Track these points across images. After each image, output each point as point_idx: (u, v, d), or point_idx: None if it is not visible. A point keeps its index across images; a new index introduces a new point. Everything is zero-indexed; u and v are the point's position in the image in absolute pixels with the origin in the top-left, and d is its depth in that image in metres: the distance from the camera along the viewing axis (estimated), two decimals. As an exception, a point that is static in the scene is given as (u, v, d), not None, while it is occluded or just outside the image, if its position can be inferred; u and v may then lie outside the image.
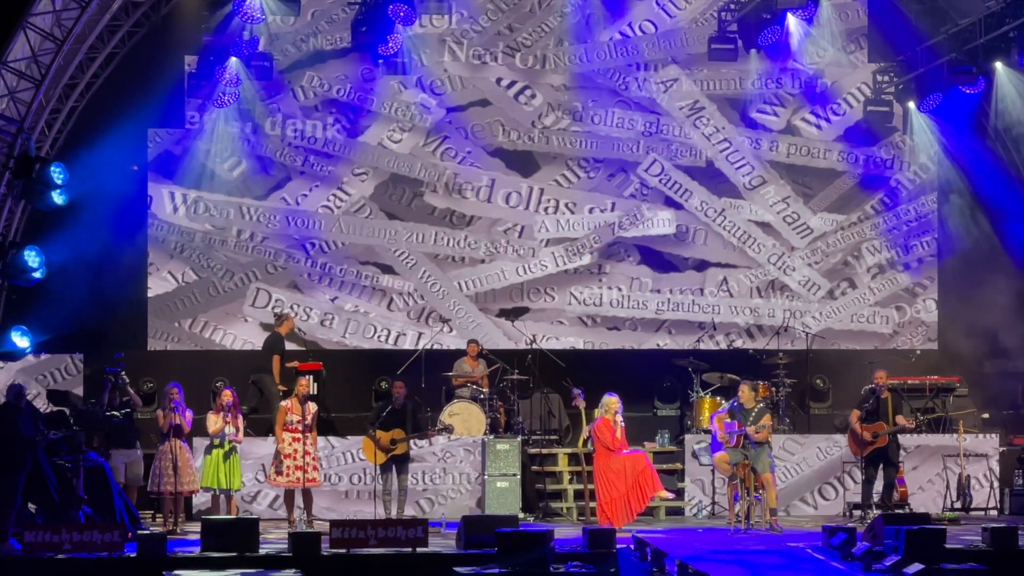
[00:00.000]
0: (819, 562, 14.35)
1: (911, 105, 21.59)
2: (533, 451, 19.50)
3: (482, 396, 19.72)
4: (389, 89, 21.61)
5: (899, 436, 18.62)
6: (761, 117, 22.06)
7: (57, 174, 19.31)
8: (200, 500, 18.35)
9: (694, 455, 19.26)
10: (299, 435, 17.31)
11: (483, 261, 21.68)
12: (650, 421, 20.91)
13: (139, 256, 21.12)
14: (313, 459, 17.37)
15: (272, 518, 18.24)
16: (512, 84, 21.82)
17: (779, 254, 21.98)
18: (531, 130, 21.79)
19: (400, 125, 21.65)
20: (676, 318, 21.84)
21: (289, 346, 20.35)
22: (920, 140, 21.92)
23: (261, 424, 19.53)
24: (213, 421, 17.47)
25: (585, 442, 18.08)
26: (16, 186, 19.51)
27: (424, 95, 21.63)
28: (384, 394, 20.24)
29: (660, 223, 21.86)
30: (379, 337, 21.46)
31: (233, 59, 20.35)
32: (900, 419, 18.40)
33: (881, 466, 18.39)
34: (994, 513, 19.47)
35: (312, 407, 17.55)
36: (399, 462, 18.03)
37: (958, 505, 19.18)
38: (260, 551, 14.46)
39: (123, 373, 17.79)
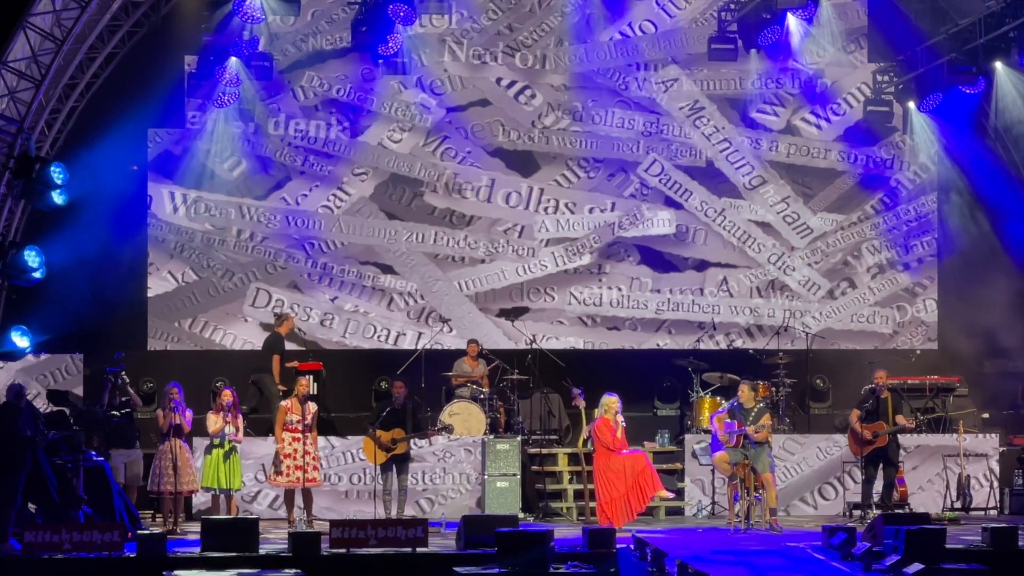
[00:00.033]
0: (819, 562, 14.35)
1: (911, 105, 21.59)
2: (533, 451, 19.50)
3: (482, 396, 19.72)
4: (389, 89, 21.61)
5: (899, 436, 18.62)
6: (761, 117, 22.06)
7: (57, 174, 19.31)
8: (200, 500, 18.35)
9: (694, 455, 19.26)
10: (299, 435, 17.31)
11: (483, 261, 21.68)
12: (650, 421, 20.91)
13: (139, 256, 21.13)
14: (313, 459, 17.37)
15: (272, 518, 18.24)
16: (512, 84, 21.82)
17: (779, 254, 21.98)
18: (531, 130, 21.79)
19: (400, 125, 21.65)
20: (676, 318, 21.84)
21: (289, 346, 20.35)
22: (920, 140, 21.92)
23: (261, 424, 19.53)
24: (213, 421, 17.47)
25: (585, 442, 18.08)
26: (16, 186, 19.51)
27: (424, 95, 21.63)
28: (384, 394, 20.24)
29: (660, 223, 21.86)
30: (379, 337, 21.46)
31: (233, 59, 20.35)
32: (900, 419, 18.40)
33: (881, 466, 18.40)
34: (994, 513, 19.47)
35: (312, 407, 17.55)
36: (399, 462, 18.03)
37: (958, 505, 19.19)
38: (260, 551, 14.46)
39: (123, 373, 17.79)
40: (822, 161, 22.16)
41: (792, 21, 21.07)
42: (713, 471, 18.59)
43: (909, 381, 20.50)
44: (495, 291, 21.67)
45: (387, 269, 21.54)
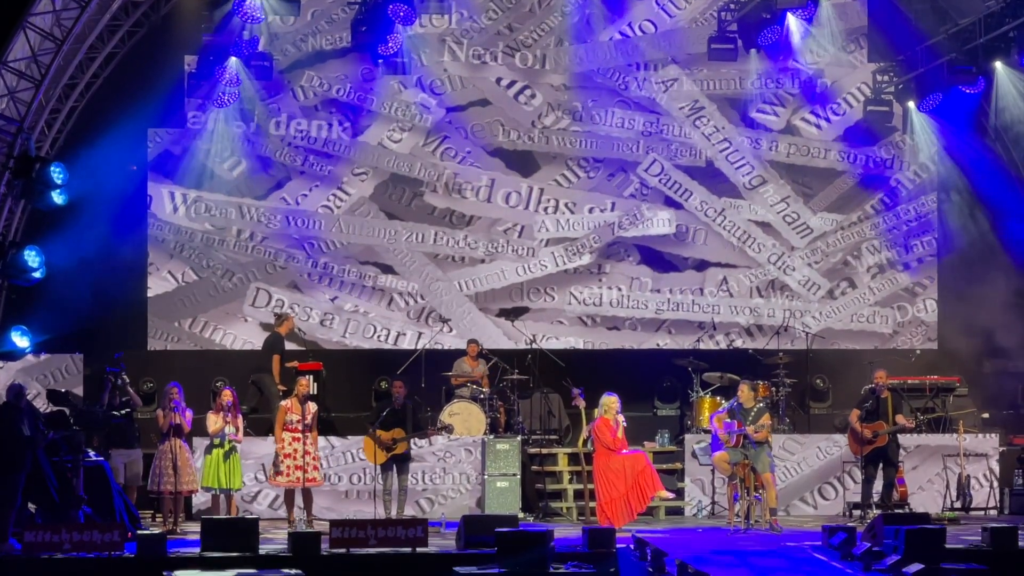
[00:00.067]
0: (819, 562, 14.35)
1: (911, 105, 21.59)
2: (533, 451, 19.50)
3: (482, 396, 19.72)
4: (389, 89, 21.61)
5: (899, 436, 18.62)
6: (761, 117, 22.06)
7: (57, 174, 19.31)
8: (200, 500, 18.35)
9: (694, 455, 19.27)
10: (299, 435, 17.31)
11: (483, 261, 21.69)
12: (650, 421, 20.91)
13: (139, 256, 21.12)
14: (313, 459, 17.37)
15: (272, 518, 18.24)
16: (512, 84, 21.82)
17: (779, 254, 21.98)
18: (531, 130, 21.79)
19: (400, 125, 21.65)
20: (676, 318, 21.84)
21: (289, 346, 20.35)
22: (920, 140, 21.92)
23: (261, 424, 19.53)
24: (213, 421, 17.46)
25: (585, 442, 18.08)
26: (16, 186, 19.50)
27: (424, 95, 21.63)
28: (384, 394, 20.24)
29: (660, 223, 21.86)
30: (379, 337, 21.46)
31: (233, 59, 20.34)
32: (900, 419, 18.40)
33: (881, 466, 18.40)
34: (994, 513, 19.47)
35: (312, 407, 17.55)
36: (399, 462, 18.03)
37: (958, 505, 19.19)
38: (260, 551, 14.45)
39: (123, 373, 17.79)
40: (822, 161, 22.16)
41: (792, 21, 21.07)
42: (713, 471, 18.59)
43: (909, 381, 20.50)
44: (495, 291, 21.67)
45: (387, 269, 21.54)
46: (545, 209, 21.75)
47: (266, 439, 18.64)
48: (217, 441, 17.37)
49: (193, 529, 16.27)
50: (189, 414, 17.28)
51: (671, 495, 18.81)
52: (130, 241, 20.94)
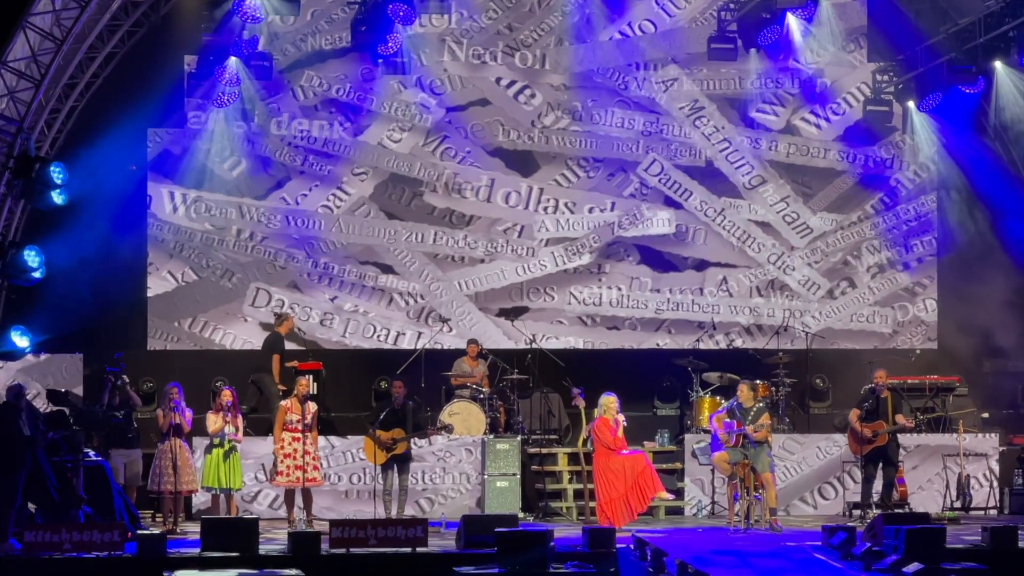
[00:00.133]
0: (819, 562, 14.35)
1: (911, 104, 21.59)
2: (533, 451, 19.50)
3: (482, 396, 19.73)
4: (389, 89, 21.61)
5: (899, 435, 18.62)
6: (761, 117, 22.06)
7: (57, 174, 19.32)
8: (200, 500, 18.35)
9: (694, 455, 19.27)
10: (299, 435, 17.30)
11: (483, 261, 21.68)
12: (650, 421, 20.91)
13: (139, 256, 21.12)
14: (313, 459, 17.37)
15: (272, 518, 18.24)
16: (512, 84, 21.82)
17: (779, 254, 21.98)
18: (531, 130, 21.79)
19: (400, 125, 21.65)
20: (676, 318, 21.84)
21: (289, 346, 20.35)
22: (920, 139, 21.92)
23: (261, 424, 19.53)
24: (213, 421, 17.46)
25: (585, 442, 18.08)
26: (16, 186, 19.51)
27: (424, 95, 21.63)
28: (384, 394, 20.25)
29: (660, 223, 21.86)
30: (379, 337, 21.46)
31: (233, 59, 20.34)
32: (900, 418, 18.40)
33: (881, 465, 18.40)
34: (994, 513, 19.47)
35: (312, 407, 17.54)
36: (400, 462, 18.03)
37: (958, 505, 19.19)
38: (260, 551, 14.45)
39: (123, 373, 17.80)
40: (822, 161, 22.16)
41: (792, 21, 21.07)
42: (713, 471, 18.59)
43: (909, 381, 20.51)
44: (495, 291, 21.67)
45: (387, 269, 21.54)
46: (545, 209, 21.76)
47: (266, 439, 18.63)
48: (217, 441, 17.36)
49: (193, 529, 16.27)
50: (189, 414, 17.28)
51: (671, 496, 18.81)
52: (130, 241, 20.94)
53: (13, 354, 19.62)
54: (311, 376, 18.59)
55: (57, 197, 19.40)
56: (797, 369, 20.80)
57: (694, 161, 21.96)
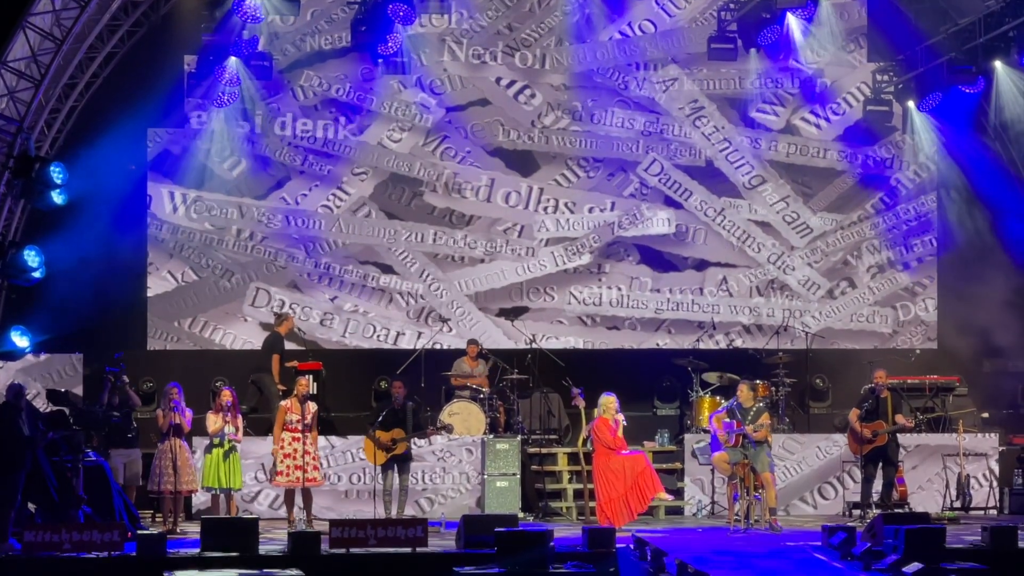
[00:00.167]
0: (819, 561, 14.35)
1: (911, 104, 21.59)
2: (533, 451, 19.50)
3: (482, 396, 19.73)
4: (389, 89, 21.61)
5: (898, 435, 18.62)
6: (761, 117, 22.06)
7: (57, 174, 19.31)
8: (200, 500, 18.35)
9: (694, 455, 19.27)
10: (299, 435, 17.30)
11: (483, 261, 21.69)
12: (650, 421, 20.91)
13: (139, 256, 21.12)
14: (313, 459, 17.37)
15: (272, 518, 18.24)
16: (512, 84, 21.82)
17: (779, 253, 21.98)
18: (531, 130, 21.79)
19: (400, 125, 21.65)
20: (676, 318, 21.84)
21: (289, 346, 20.35)
22: (920, 139, 21.92)
23: (261, 424, 19.53)
24: (213, 421, 17.46)
25: (585, 441, 18.07)
26: (16, 186, 19.51)
27: (424, 95, 21.63)
28: (384, 394, 20.25)
29: (660, 223, 21.87)
30: (379, 337, 21.46)
31: (232, 59, 20.34)
32: (899, 418, 18.40)
33: (880, 465, 18.40)
34: (994, 512, 19.47)
35: (312, 407, 17.54)
36: (400, 462, 18.03)
37: (958, 504, 19.19)
38: (260, 551, 14.45)
39: (123, 373, 17.80)
40: (822, 161, 22.16)
41: (792, 21, 21.07)
42: (713, 471, 18.59)
43: (909, 380, 20.51)
44: (495, 291, 21.68)
45: (387, 269, 21.54)
46: (545, 209, 21.76)
47: (266, 439, 18.62)
48: (217, 441, 17.36)
49: (193, 529, 16.27)
50: (189, 414, 17.27)
51: (670, 497, 18.81)
52: (130, 241, 20.94)
53: (13, 354, 19.62)
54: (311, 376, 18.59)
55: (57, 197, 19.40)
56: (797, 369, 20.80)
57: (694, 161, 21.96)
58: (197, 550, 14.45)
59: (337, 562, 14.38)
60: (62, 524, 14.55)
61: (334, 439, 19.12)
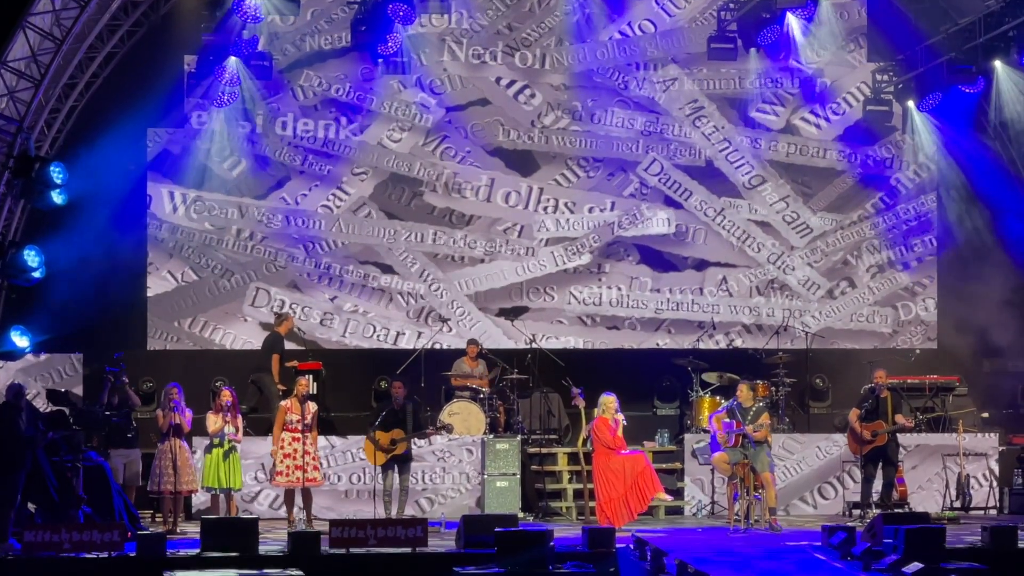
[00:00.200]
0: (819, 561, 14.35)
1: (910, 104, 21.59)
2: (532, 450, 19.50)
3: (482, 395, 19.73)
4: (388, 88, 21.60)
5: (898, 435, 18.62)
6: (760, 116, 22.06)
7: (56, 173, 19.31)
8: (200, 500, 18.35)
9: (693, 454, 19.27)
10: (299, 435, 17.30)
11: (482, 260, 21.68)
12: (650, 421, 20.91)
13: (139, 256, 21.12)
14: (313, 459, 17.37)
15: (272, 518, 18.24)
16: (512, 83, 21.82)
17: (778, 253, 21.98)
18: (531, 129, 21.79)
19: (399, 124, 21.65)
20: (675, 317, 21.84)
21: (289, 346, 20.35)
22: (919, 139, 21.92)
23: (261, 424, 19.52)
24: (212, 421, 17.46)
25: (584, 441, 18.07)
26: (16, 185, 19.51)
27: (424, 94, 21.63)
28: (384, 394, 20.25)
29: (659, 222, 21.87)
30: (379, 337, 21.46)
31: (232, 58, 20.33)
32: (899, 418, 18.40)
33: (880, 465, 18.40)
34: (993, 512, 19.48)
35: (312, 407, 17.54)
36: (400, 462, 18.03)
37: (957, 504, 19.20)
38: (260, 551, 14.45)
39: (123, 373, 17.80)
40: (821, 160, 22.17)
41: (792, 20, 21.06)
42: (713, 470, 18.59)
43: (908, 380, 20.51)
44: (495, 291, 21.67)
45: (387, 269, 21.54)
46: (545, 209, 21.76)
47: (266, 439, 18.60)
48: (216, 441, 17.36)
49: (193, 529, 16.27)
50: (189, 414, 17.27)
51: (669, 497, 18.81)
52: (130, 241, 20.94)
53: (13, 354, 19.62)
54: (311, 376, 18.59)
55: (57, 197, 19.39)
56: (797, 369, 20.79)
57: (694, 161, 21.96)
58: (197, 550, 14.45)
59: (337, 562, 14.39)
60: (62, 524, 14.55)
61: (334, 439, 19.13)
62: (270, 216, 21.36)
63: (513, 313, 21.58)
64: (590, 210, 21.76)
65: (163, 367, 20.56)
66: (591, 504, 18.06)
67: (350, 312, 21.43)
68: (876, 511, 17.49)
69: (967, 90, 20.48)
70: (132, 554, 14.16)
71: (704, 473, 19.18)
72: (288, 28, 21.35)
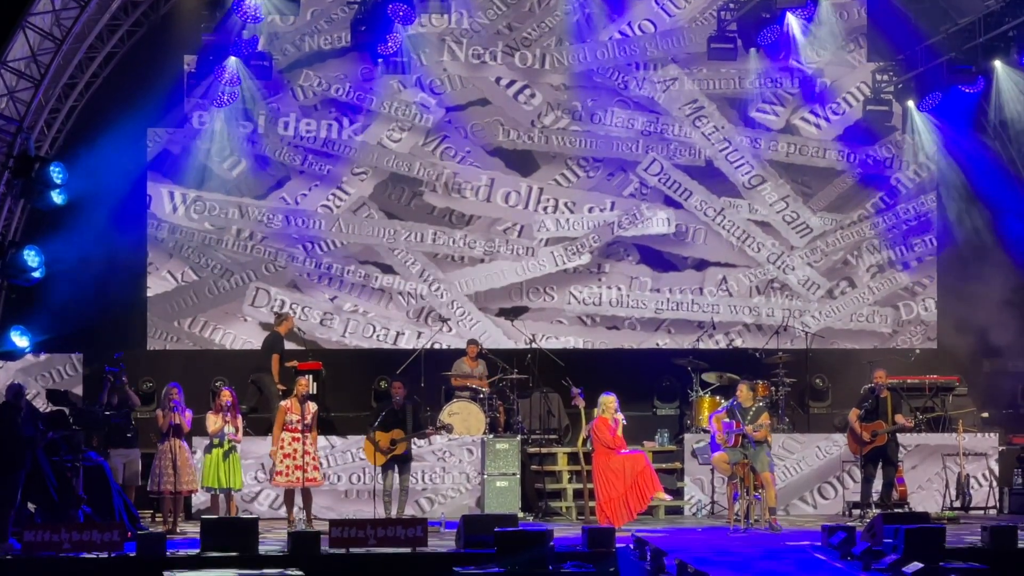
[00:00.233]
0: (819, 561, 14.35)
1: (910, 104, 21.60)
2: (532, 450, 19.50)
3: (481, 395, 19.73)
4: (388, 88, 21.61)
5: (898, 435, 18.62)
6: (760, 116, 22.06)
7: (56, 173, 19.31)
8: (199, 500, 18.35)
9: (693, 454, 19.27)
10: (299, 435, 17.30)
11: (482, 260, 21.69)
12: (649, 420, 20.91)
13: (139, 256, 21.12)
14: (313, 459, 17.37)
15: (272, 518, 18.24)
16: (512, 83, 21.82)
17: (778, 253, 21.98)
18: (531, 129, 21.79)
19: (399, 124, 21.65)
20: (675, 317, 21.84)
21: (289, 346, 20.35)
22: (919, 139, 21.92)
23: (260, 424, 19.52)
24: (212, 421, 17.46)
25: (584, 441, 18.07)
26: (16, 185, 19.51)
27: (423, 94, 21.63)
28: (384, 394, 20.25)
29: (659, 222, 21.87)
30: (379, 337, 21.46)
31: (232, 58, 20.33)
32: (899, 418, 18.41)
33: (880, 465, 18.40)
34: (993, 512, 19.48)
35: (312, 407, 17.55)
36: (400, 462, 18.02)
37: (957, 504, 19.19)
38: (260, 551, 14.45)
39: (123, 373, 17.80)
40: (821, 160, 22.17)
41: (792, 20, 21.06)
42: (712, 470, 18.59)
43: (908, 380, 20.51)
44: (494, 291, 21.68)
45: (387, 269, 21.54)
46: (545, 209, 21.76)
47: (266, 439, 18.60)
48: (216, 441, 17.36)
49: (193, 529, 16.28)
50: (189, 414, 17.27)
51: (670, 497, 18.81)
52: (130, 241, 20.94)
53: (13, 354, 19.62)
54: (311, 376, 18.59)
55: (57, 197, 19.40)
56: (797, 369, 20.79)
57: (694, 161, 21.96)
58: (197, 550, 14.45)
59: (337, 562, 14.38)
60: (62, 524, 14.55)
61: (334, 439, 19.13)
62: (270, 216, 21.37)
63: (513, 313, 21.58)
64: (590, 210, 21.76)
65: (163, 367, 20.56)
66: (591, 504, 18.06)
67: (350, 312, 21.43)
68: (876, 511, 17.49)
69: (967, 90, 20.49)
70: (132, 554, 14.15)
71: (704, 473, 19.18)
72: (288, 28, 21.36)
